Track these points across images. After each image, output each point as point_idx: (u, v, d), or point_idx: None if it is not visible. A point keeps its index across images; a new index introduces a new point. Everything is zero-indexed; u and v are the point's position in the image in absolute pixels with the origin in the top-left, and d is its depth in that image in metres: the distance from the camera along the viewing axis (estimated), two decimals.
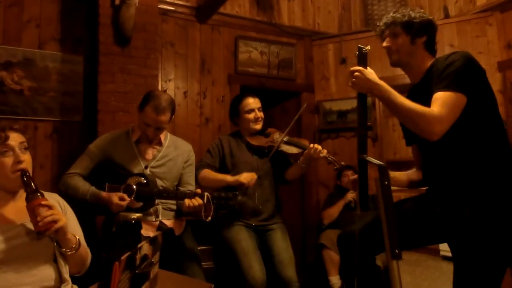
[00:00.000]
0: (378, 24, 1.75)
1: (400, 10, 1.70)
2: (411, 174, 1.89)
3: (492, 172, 1.49)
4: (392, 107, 1.53)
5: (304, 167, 2.43)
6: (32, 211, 1.27)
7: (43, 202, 1.29)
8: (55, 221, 1.27)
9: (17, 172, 1.35)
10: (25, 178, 1.33)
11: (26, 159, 1.39)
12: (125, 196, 1.94)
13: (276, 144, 2.39)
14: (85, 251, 1.48)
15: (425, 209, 1.64)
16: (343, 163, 2.27)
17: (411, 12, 1.67)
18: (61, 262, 1.39)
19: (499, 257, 1.45)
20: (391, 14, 1.71)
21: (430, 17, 1.69)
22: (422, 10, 1.73)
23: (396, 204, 1.60)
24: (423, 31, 1.66)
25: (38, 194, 1.31)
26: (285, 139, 2.42)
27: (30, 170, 1.38)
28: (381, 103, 3.86)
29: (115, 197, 1.92)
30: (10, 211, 1.39)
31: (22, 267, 1.30)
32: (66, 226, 1.33)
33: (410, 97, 1.70)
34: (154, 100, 2.06)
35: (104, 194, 1.98)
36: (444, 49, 3.71)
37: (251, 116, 2.49)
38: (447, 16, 3.86)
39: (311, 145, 2.31)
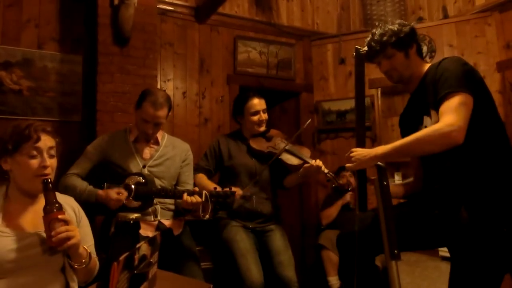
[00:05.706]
0: (364, 48, 1.67)
1: (379, 31, 1.66)
2: (407, 185, 1.88)
3: (491, 174, 1.48)
4: (405, 152, 1.52)
5: (303, 178, 2.41)
6: (48, 224, 1.23)
7: (59, 217, 1.25)
8: (68, 238, 1.24)
9: (40, 177, 1.30)
10: (46, 186, 1.28)
11: (52, 165, 1.35)
12: (122, 190, 1.95)
13: (278, 152, 2.34)
14: (94, 263, 1.42)
15: (424, 212, 1.63)
16: (341, 181, 2.32)
17: (391, 27, 1.64)
18: (69, 273, 1.36)
19: (496, 261, 1.45)
20: (374, 38, 1.66)
21: (407, 23, 1.68)
22: (399, 21, 1.69)
23: (394, 207, 1.60)
24: (412, 41, 1.65)
25: (56, 206, 1.26)
26: (286, 147, 2.37)
27: (52, 177, 1.34)
28: (380, 103, 3.88)
29: (113, 193, 1.93)
30: (27, 217, 1.34)
31: (29, 278, 1.26)
32: (79, 243, 1.29)
33: (409, 106, 1.71)
34: (151, 96, 2.10)
35: (101, 192, 1.98)
36: (443, 49, 3.71)
37: (256, 118, 2.44)
38: (446, 16, 3.86)
39: (313, 161, 2.26)
